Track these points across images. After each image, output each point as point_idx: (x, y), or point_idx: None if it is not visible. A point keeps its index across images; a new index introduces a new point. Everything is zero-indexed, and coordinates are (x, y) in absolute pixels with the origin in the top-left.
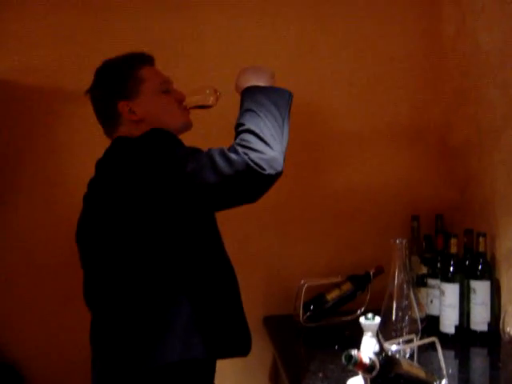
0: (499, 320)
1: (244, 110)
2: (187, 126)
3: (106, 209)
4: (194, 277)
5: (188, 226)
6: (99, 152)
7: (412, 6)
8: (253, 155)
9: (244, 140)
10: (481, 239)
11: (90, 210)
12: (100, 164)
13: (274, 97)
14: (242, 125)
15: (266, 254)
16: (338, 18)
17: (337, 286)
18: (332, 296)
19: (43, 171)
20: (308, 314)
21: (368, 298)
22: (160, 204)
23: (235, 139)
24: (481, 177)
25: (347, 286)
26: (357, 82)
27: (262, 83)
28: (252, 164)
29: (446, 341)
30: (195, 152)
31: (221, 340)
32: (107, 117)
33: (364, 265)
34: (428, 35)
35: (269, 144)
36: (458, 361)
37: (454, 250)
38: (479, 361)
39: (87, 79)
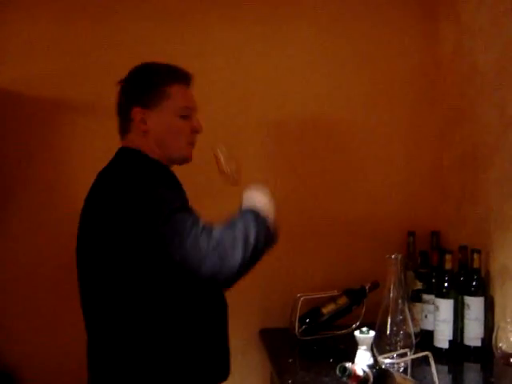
0: (492, 336)
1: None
2: (185, 160)
3: (97, 228)
4: (179, 307)
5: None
6: (100, 160)
7: (410, 26)
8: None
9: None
10: (475, 255)
11: (85, 222)
12: (101, 177)
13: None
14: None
15: (262, 268)
16: (338, 36)
17: (332, 299)
18: (328, 310)
19: (44, 180)
20: (304, 327)
21: (363, 312)
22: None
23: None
24: (476, 194)
25: (343, 300)
26: (355, 98)
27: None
28: (209, 268)
29: (440, 356)
30: (180, 213)
31: (201, 370)
32: (122, 117)
33: (360, 279)
34: (425, 54)
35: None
36: (451, 375)
37: (448, 265)
38: (472, 376)
39: (89, 90)
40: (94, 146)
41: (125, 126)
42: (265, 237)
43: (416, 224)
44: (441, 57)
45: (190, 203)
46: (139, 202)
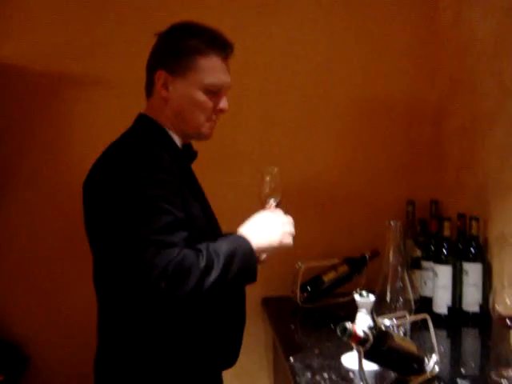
0: (489, 299)
1: (215, 248)
2: (202, 137)
3: (95, 203)
4: None
5: None
6: (103, 135)
7: None
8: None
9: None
10: (473, 223)
11: (87, 194)
12: (113, 146)
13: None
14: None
15: None
16: (337, 8)
17: (333, 268)
18: (329, 278)
19: (47, 154)
20: (305, 294)
21: (364, 280)
22: None
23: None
24: (474, 163)
25: (343, 268)
26: (355, 70)
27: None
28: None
29: (439, 321)
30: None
31: (212, 354)
32: (147, 77)
33: (360, 248)
34: (425, 24)
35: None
36: (449, 340)
37: (447, 233)
38: (470, 340)
39: (92, 63)
40: (96, 119)
41: (148, 88)
42: (237, 274)
43: (415, 193)
44: (440, 27)
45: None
46: (126, 207)
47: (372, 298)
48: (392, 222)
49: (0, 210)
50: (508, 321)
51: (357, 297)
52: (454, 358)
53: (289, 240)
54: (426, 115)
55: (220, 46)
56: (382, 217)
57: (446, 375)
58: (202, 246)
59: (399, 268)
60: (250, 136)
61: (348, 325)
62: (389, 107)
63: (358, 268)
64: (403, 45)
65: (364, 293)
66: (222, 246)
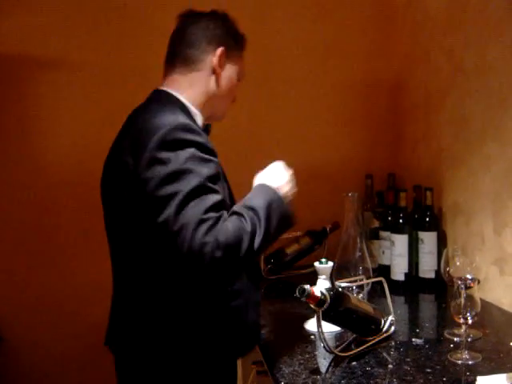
0: (441, 262)
1: (252, 204)
2: (221, 117)
3: (117, 178)
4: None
5: None
6: (66, 116)
7: None
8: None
9: (226, 236)
10: (428, 193)
11: (109, 167)
12: (130, 121)
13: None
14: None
15: None
16: None
17: (296, 240)
18: (291, 250)
19: (12, 136)
20: (269, 266)
21: (325, 251)
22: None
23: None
24: (429, 136)
25: (305, 241)
26: (312, 49)
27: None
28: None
29: (397, 287)
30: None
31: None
32: (195, 48)
33: (322, 221)
34: (381, 4)
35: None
36: (406, 305)
37: (403, 203)
38: (426, 304)
39: (54, 47)
40: (61, 102)
41: (192, 59)
42: (278, 224)
43: (373, 167)
44: (395, 6)
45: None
46: (159, 171)
47: (330, 264)
48: (350, 194)
49: None
50: (457, 281)
51: (317, 264)
52: (411, 320)
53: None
54: (382, 92)
55: (245, 47)
56: (341, 190)
57: (402, 335)
58: (240, 209)
59: (358, 238)
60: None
61: (306, 286)
62: (347, 85)
63: (320, 240)
64: (360, 24)
65: (323, 260)
66: (257, 202)
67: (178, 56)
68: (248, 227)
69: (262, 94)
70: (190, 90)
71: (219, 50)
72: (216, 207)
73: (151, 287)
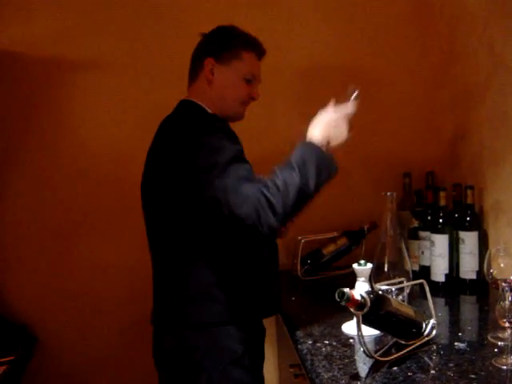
0: (484, 263)
1: (292, 163)
2: (237, 116)
3: (158, 171)
4: (232, 252)
5: None
6: (100, 118)
7: None
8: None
9: (272, 196)
10: (469, 192)
11: (150, 165)
12: (162, 127)
13: (323, 169)
14: (279, 175)
15: None
16: None
17: (333, 241)
18: (328, 250)
19: (46, 140)
20: (305, 267)
21: (363, 252)
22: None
23: (270, 177)
24: (468, 133)
25: (342, 241)
26: (349, 44)
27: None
28: (255, 219)
29: (437, 289)
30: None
31: (240, 306)
32: (194, 64)
33: (359, 221)
34: None
35: (285, 211)
36: (447, 307)
37: (443, 202)
38: (467, 306)
39: (87, 49)
40: (94, 104)
41: (194, 74)
42: (323, 175)
43: (411, 165)
44: (432, 0)
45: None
46: (196, 151)
47: (370, 265)
48: (388, 193)
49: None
50: (502, 283)
51: (355, 265)
52: (452, 323)
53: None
54: (420, 88)
55: (258, 47)
56: (379, 190)
57: (444, 339)
58: (275, 170)
59: (397, 238)
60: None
61: (346, 289)
62: (383, 82)
63: (357, 240)
64: (396, 20)
65: (362, 261)
66: (296, 158)
67: (189, 72)
68: (291, 179)
69: (300, 88)
70: (200, 98)
71: (206, 61)
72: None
73: (192, 262)
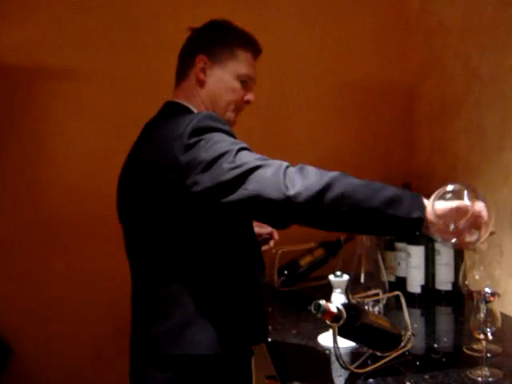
0: (459, 275)
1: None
2: (229, 122)
3: (143, 178)
4: (218, 266)
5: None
6: (81, 127)
7: None
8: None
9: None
10: None
11: (130, 171)
12: (147, 128)
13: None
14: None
15: None
16: None
17: (309, 251)
18: (305, 261)
19: (25, 148)
20: (282, 278)
21: (339, 263)
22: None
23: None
24: (444, 145)
25: (319, 252)
26: (325, 56)
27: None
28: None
29: (413, 300)
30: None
31: (231, 336)
32: (183, 62)
33: (335, 232)
34: (394, 11)
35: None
36: (423, 318)
37: None
38: (443, 317)
39: (69, 56)
40: (73, 112)
41: (183, 72)
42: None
43: (388, 176)
44: (408, 13)
45: None
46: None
47: (346, 277)
48: None
49: None
50: (476, 295)
51: (331, 277)
52: (428, 335)
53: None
54: (396, 100)
55: (254, 45)
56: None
57: (420, 350)
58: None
59: (373, 249)
60: None
61: (322, 302)
62: (360, 93)
63: (334, 251)
64: (373, 31)
65: (338, 273)
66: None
67: (176, 71)
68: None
69: (274, 101)
70: (189, 99)
71: (197, 58)
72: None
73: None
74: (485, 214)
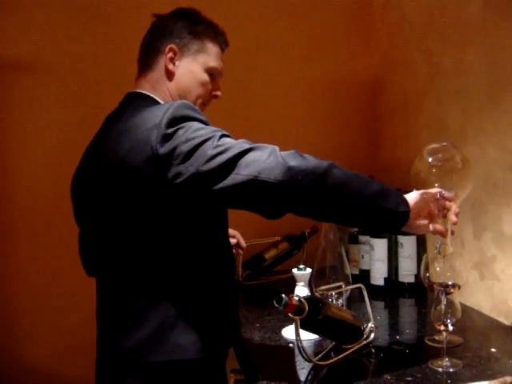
0: (421, 267)
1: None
2: None
3: (110, 177)
4: (189, 270)
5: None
6: (39, 120)
7: None
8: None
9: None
10: None
11: (89, 166)
12: (109, 120)
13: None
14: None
15: None
16: None
17: (274, 245)
18: (269, 255)
19: None
20: (247, 272)
21: (304, 256)
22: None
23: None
24: (407, 138)
25: (284, 246)
26: (289, 51)
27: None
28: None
29: (376, 292)
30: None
31: (211, 339)
32: (148, 51)
33: (300, 226)
34: (358, 6)
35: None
36: (386, 310)
37: None
38: (406, 309)
39: (27, 48)
40: (32, 105)
41: (148, 61)
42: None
43: (353, 169)
44: (373, 8)
45: None
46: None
47: (309, 270)
48: None
49: None
50: (437, 287)
51: (295, 270)
52: (391, 326)
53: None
54: (361, 93)
55: (223, 38)
56: None
57: (382, 342)
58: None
59: (336, 243)
60: None
61: (284, 295)
62: (325, 86)
63: (298, 245)
64: (338, 26)
65: (302, 266)
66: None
67: (140, 59)
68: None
69: (238, 97)
70: (155, 90)
71: (168, 48)
72: None
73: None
74: (447, 193)
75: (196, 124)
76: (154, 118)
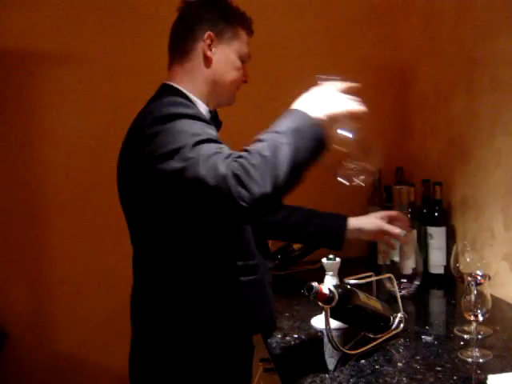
0: (451, 258)
1: (276, 130)
2: (232, 101)
3: (127, 167)
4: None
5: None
6: (72, 113)
7: None
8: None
9: (248, 163)
10: (437, 188)
11: (121, 161)
12: (142, 113)
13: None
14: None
15: None
16: None
17: None
18: (298, 245)
19: (16, 132)
20: (276, 262)
21: None
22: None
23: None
24: (437, 129)
25: None
26: (318, 40)
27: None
28: (233, 193)
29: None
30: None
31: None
32: (183, 39)
33: None
34: None
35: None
36: (416, 301)
37: (411, 198)
38: (435, 300)
39: (60, 41)
40: (65, 97)
41: (184, 49)
42: (307, 151)
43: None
44: None
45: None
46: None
47: (338, 260)
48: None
49: None
50: (467, 277)
51: (324, 260)
52: (420, 317)
53: (357, 106)
54: (390, 83)
55: (250, 25)
56: (350, 186)
57: (412, 332)
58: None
59: None
60: None
61: (314, 284)
62: (354, 76)
63: None
64: (368, 14)
65: (331, 256)
66: (282, 126)
67: (173, 48)
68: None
69: (267, 89)
70: (189, 80)
71: (206, 35)
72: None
73: (172, 270)
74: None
75: (179, 124)
76: (146, 118)
